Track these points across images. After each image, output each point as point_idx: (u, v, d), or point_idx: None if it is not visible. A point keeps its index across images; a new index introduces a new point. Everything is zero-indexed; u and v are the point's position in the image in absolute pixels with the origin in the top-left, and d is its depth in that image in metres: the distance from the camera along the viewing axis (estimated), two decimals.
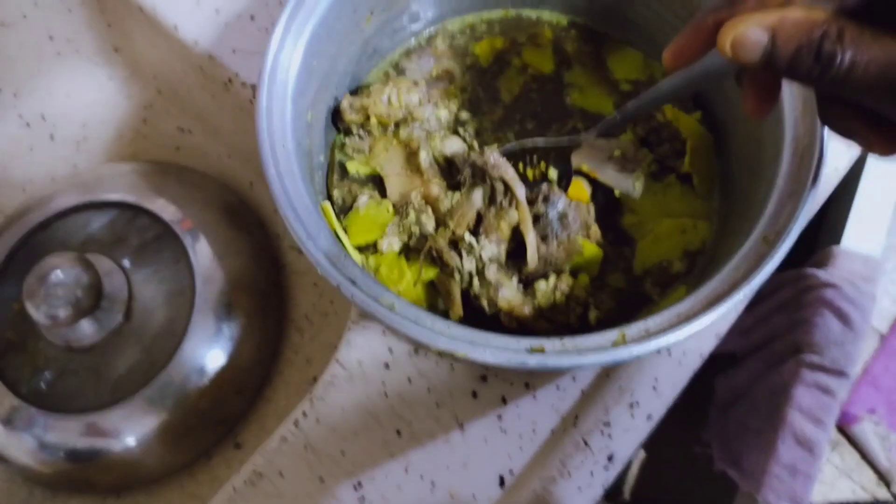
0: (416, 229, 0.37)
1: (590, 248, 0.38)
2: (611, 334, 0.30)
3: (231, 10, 0.49)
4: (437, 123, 0.42)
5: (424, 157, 0.40)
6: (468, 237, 0.36)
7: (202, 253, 0.52)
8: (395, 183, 0.41)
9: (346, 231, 0.39)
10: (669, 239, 0.41)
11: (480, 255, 0.36)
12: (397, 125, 0.42)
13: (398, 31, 0.44)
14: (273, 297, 0.56)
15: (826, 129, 0.32)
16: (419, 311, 0.30)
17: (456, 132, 0.42)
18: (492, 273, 0.36)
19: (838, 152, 0.46)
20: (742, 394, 0.55)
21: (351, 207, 0.41)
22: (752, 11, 0.25)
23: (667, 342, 0.30)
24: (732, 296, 0.30)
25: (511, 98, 0.44)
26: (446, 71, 0.44)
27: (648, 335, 0.30)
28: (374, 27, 0.41)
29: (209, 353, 0.49)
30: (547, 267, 0.37)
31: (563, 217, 0.36)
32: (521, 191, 0.36)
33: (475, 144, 0.42)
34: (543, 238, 0.37)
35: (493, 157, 0.35)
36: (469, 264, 0.36)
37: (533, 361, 0.29)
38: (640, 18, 0.43)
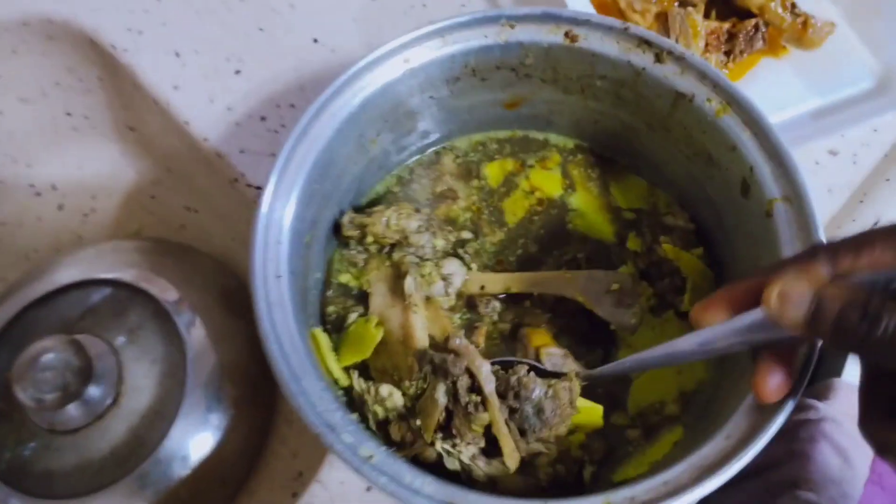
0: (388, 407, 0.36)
1: (587, 411, 0.36)
2: (596, 500, 0.29)
3: (242, 109, 0.50)
4: (432, 252, 0.41)
5: (410, 283, 0.40)
6: (439, 444, 0.33)
7: (196, 336, 0.51)
8: (379, 303, 0.41)
9: (337, 352, 0.39)
10: (665, 378, 0.40)
11: (459, 455, 0.34)
12: (392, 247, 0.42)
13: (404, 149, 0.44)
14: (264, 386, 0.55)
15: None
16: (401, 464, 0.30)
17: (456, 254, 0.42)
18: (481, 467, 0.34)
19: None
20: None
21: (343, 324, 0.40)
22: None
23: None
24: (722, 471, 0.29)
25: (515, 220, 0.44)
26: (450, 189, 0.44)
27: None
28: (380, 148, 0.42)
29: (196, 440, 0.48)
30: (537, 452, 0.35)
31: (539, 411, 0.34)
32: (489, 385, 0.33)
33: (473, 266, 0.42)
34: (522, 433, 0.34)
35: (460, 342, 0.34)
36: (452, 464, 0.33)
37: None
38: (645, 148, 0.43)
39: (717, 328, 0.29)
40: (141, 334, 0.51)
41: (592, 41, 0.38)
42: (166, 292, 0.52)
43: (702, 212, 0.42)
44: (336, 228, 0.42)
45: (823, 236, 0.33)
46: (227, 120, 0.50)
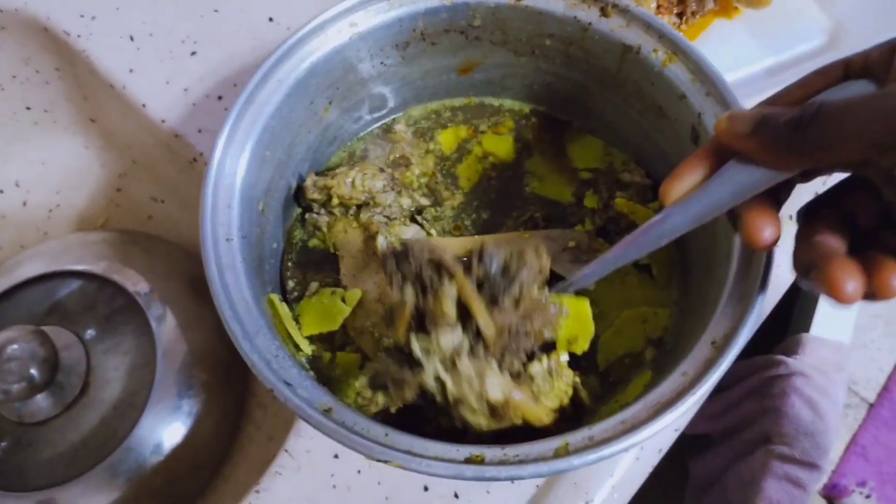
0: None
1: (572, 302, 0.35)
2: (554, 442, 0.29)
3: (199, 90, 0.50)
4: (398, 211, 0.41)
5: (382, 242, 0.40)
6: (415, 343, 0.31)
7: (166, 325, 0.51)
8: (350, 264, 0.41)
9: (298, 321, 0.39)
10: (631, 329, 0.40)
11: (440, 347, 0.31)
12: (359, 208, 0.42)
13: (360, 119, 0.44)
14: (236, 370, 0.55)
15: None
16: (358, 415, 0.30)
17: (414, 220, 0.42)
18: (465, 365, 0.30)
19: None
20: (714, 481, 0.54)
21: (304, 294, 0.40)
22: None
23: (610, 452, 0.29)
24: (677, 405, 0.29)
25: (470, 186, 0.44)
26: (403, 156, 0.44)
27: (592, 444, 0.29)
28: (333, 116, 0.42)
29: (168, 428, 0.48)
30: (524, 342, 0.32)
31: (505, 269, 0.31)
32: (450, 257, 0.31)
33: (433, 232, 0.42)
34: (494, 301, 0.31)
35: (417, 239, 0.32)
36: (432, 367, 0.30)
37: (469, 472, 0.28)
38: (598, 108, 0.43)
39: (695, 195, 0.29)
40: (110, 326, 0.51)
41: None
42: (135, 283, 0.52)
43: (657, 166, 0.42)
44: (296, 196, 0.42)
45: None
46: (185, 101, 0.49)
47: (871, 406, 1.29)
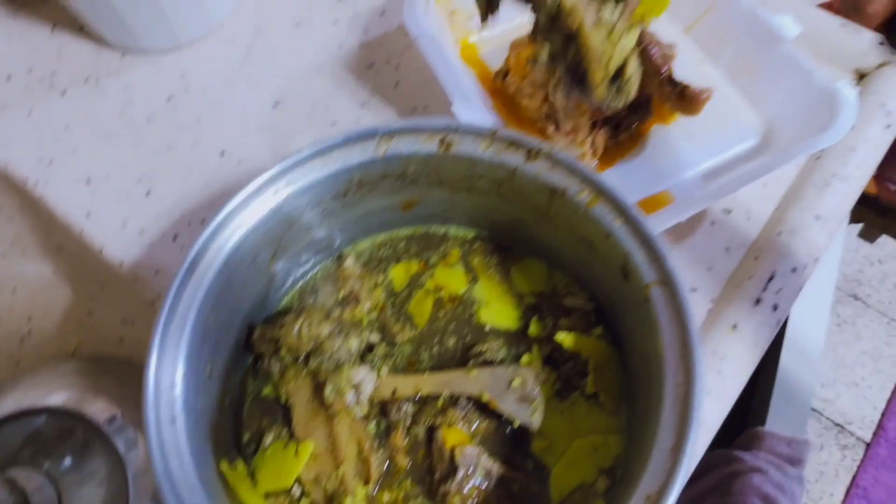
0: None
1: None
2: None
3: (155, 230, 0.51)
4: (346, 354, 0.42)
5: (329, 391, 0.41)
6: None
7: (137, 450, 0.52)
8: (301, 414, 0.41)
9: (254, 477, 0.39)
10: (582, 461, 0.40)
11: None
12: (308, 355, 0.43)
13: (307, 261, 0.45)
14: None
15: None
16: None
17: (364, 360, 0.43)
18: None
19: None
20: None
21: (259, 445, 0.41)
22: None
23: None
24: None
25: (422, 321, 0.45)
26: (352, 293, 0.45)
27: None
28: (280, 265, 0.43)
29: None
30: None
31: None
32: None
33: (383, 370, 0.43)
34: None
35: None
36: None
37: None
38: (536, 236, 0.44)
39: None
40: (83, 456, 0.51)
41: (466, 146, 0.40)
42: (106, 411, 0.53)
43: (597, 291, 0.44)
44: (246, 345, 0.43)
45: (693, 322, 0.35)
46: (141, 242, 0.51)
47: (868, 445, 1.28)
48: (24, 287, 0.64)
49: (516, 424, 0.40)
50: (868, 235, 0.90)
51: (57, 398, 0.54)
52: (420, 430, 0.41)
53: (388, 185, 0.43)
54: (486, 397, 0.41)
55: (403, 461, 0.40)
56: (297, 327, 0.42)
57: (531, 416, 0.40)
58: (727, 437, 0.53)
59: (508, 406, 0.40)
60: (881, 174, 0.78)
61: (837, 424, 1.32)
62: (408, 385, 0.42)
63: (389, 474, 0.40)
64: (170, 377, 0.35)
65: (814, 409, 1.33)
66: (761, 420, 0.51)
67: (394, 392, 0.42)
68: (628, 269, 0.38)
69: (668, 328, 0.35)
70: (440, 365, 0.43)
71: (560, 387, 0.42)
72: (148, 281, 0.50)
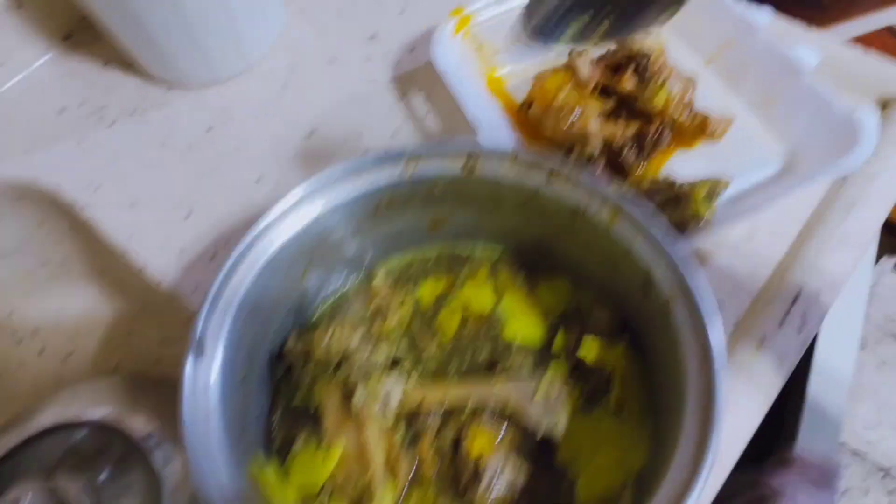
0: None
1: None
2: None
3: (193, 251, 0.53)
4: (374, 366, 0.44)
5: (358, 400, 0.42)
6: None
7: (173, 466, 0.53)
8: (332, 422, 0.43)
9: (288, 476, 0.40)
10: (607, 472, 0.41)
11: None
12: (338, 365, 0.44)
13: (338, 278, 0.47)
14: None
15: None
16: None
17: (392, 372, 0.44)
18: None
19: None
20: None
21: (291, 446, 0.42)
22: None
23: None
24: None
25: (448, 337, 0.46)
26: (381, 308, 0.46)
27: None
28: (312, 280, 0.44)
29: None
30: None
31: None
32: None
33: (411, 384, 0.44)
34: None
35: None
36: None
37: None
38: (561, 252, 0.46)
39: None
40: (120, 470, 0.53)
41: (489, 168, 0.42)
42: (143, 427, 0.55)
43: (620, 306, 0.44)
44: (280, 355, 0.45)
45: (715, 336, 0.35)
46: (180, 261, 0.53)
47: None
48: (69, 308, 0.67)
49: (540, 435, 0.41)
50: None
51: (97, 413, 0.56)
52: (446, 440, 0.42)
53: (415, 205, 0.45)
54: (510, 408, 0.41)
55: (429, 469, 0.41)
56: (326, 339, 0.43)
57: (555, 426, 0.40)
58: (756, 460, 0.52)
59: (533, 417, 0.41)
60: None
61: (882, 469, 1.27)
62: (434, 395, 0.43)
63: (415, 482, 0.41)
64: (205, 378, 0.36)
65: (856, 453, 1.29)
66: (792, 437, 0.50)
67: (420, 402, 0.43)
68: (650, 284, 0.39)
69: (689, 342, 0.36)
70: (466, 379, 0.44)
71: (584, 399, 0.42)
72: (185, 298, 0.52)
